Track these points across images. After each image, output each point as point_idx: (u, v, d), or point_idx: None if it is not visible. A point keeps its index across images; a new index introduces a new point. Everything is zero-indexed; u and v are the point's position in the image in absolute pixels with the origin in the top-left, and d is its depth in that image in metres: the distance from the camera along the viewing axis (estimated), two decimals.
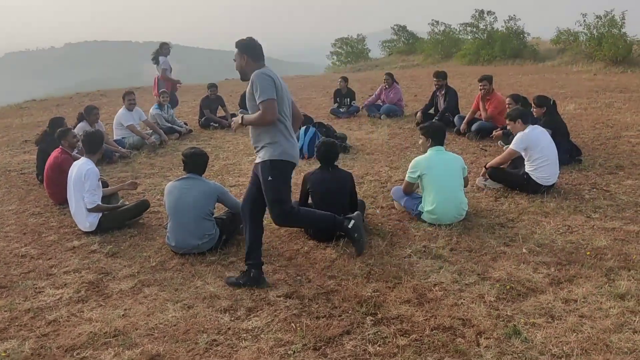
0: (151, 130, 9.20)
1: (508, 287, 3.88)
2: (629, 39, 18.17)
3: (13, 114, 14.42)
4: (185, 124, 10.32)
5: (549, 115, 6.71)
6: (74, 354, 3.31)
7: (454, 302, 3.74)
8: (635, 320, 3.39)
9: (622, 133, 8.32)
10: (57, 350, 3.35)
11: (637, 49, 17.85)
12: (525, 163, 5.81)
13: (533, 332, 3.34)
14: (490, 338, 3.30)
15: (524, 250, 4.47)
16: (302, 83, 18.95)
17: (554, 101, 6.88)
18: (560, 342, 3.23)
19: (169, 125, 9.81)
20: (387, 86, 10.92)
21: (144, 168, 7.68)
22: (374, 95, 11.30)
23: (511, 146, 5.84)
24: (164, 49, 10.83)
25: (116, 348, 3.34)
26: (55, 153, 6.24)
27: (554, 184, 5.81)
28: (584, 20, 19.60)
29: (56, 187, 6.14)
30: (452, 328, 3.43)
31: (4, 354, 3.30)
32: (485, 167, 5.98)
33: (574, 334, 3.29)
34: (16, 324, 3.69)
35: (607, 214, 5.14)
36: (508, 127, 6.35)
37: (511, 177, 5.98)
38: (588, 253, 4.33)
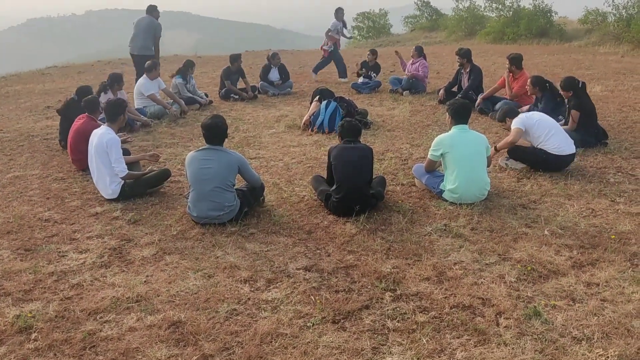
0: (171, 100, 9.20)
1: (529, 268, 3.85)
2: None
3: (35, 80, 14.54)
4: (206, 95, 10.30)
5: (576, 98, 6.56)
6: (97, 318, 3.37)
7: (473, 282, 3.72)
8: None
9: None
10: (81, 314, 3.41)
11: None
12: (535, 144, 5.83)
13: (553, 314, 3.32)
14: (510, 318, 3.29)
15: (546, 232, 4.42)
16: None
17: (583, 83, 6.71)
18: (581, 325, 3.21)
19: (190, 95, 9.80)
20: (413, 59, 10.76)
21: (165, 137, 7.71)
22: (404, 64, 11.12)
23: (513, 125, 5.82)
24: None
25: (138, 313, 3.40)
26: (80, 119, 6.28)
27: (573, 157, 5.77)
28: (613, 1, 19.05)
29: (80, 153, 6.19)
30: (472, 307, 3.43)
31: (29, 315, 3.37)
32: (495, 148, 5.86)
33: (595, 318, 3.27)
34: (40, 286, 3.76)
35: (632, 199, 5.06)
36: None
37: (530, 154, 5.89)
38: (612, 237, 4.28)
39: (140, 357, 3.00)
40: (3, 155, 7.04)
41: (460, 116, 5.19)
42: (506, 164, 6.04)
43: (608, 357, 2.91)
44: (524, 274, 3.80)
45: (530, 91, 7.40)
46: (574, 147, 5.79)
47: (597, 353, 2.95)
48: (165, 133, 7.96)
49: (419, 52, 10.79)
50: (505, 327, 3.22)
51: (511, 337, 3.11)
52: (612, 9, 18.85)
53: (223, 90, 10.59)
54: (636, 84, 10.92)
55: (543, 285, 3.66)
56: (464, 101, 5.52)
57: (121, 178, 5.28)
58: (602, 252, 4.06)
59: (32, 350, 3.07)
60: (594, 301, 3.44)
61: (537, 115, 5.95)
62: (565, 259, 3.99)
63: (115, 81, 8.14)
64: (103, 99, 7.84)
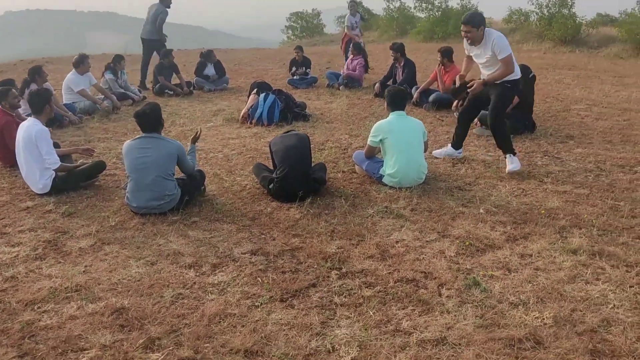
0: (103, 96, 8.90)
1: (467, 243, 4.01)
2: (578, 19, 18.72)
3: None
4: (140, 90, 10.03)
5: (523, 85, 6.85)
6: (35, 308, 3.23)
7: (415, 258, 3.84)
8: (586, 273, 3.58)
9: (571, 106, 8.64)
10: (17, 305, 3.26)
11: (585, 30, 18.41)
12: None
13: (491, 283, 3.48)
14: (451, 289, 3.42)
15: (481, 211, 4.61)
16: (258, 55, 18.71)
17: (534, 76, 7.08)
18: (517, 291, 3.38)
19: (122, 91, 9.52)
20: (352, 56, 10.93)
21: (97, 132, 7.46)
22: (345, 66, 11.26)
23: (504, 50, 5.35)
24: None
25: (78, 302, 3.28)
26: None
27: None
28: (537, 0, 20.07)
29: (3, 149, 5.89)
30: (415, 280, 3.53)
31: None
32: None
33: (530, 285, 3.45)
34: None
35: (558, 179, 5.36)
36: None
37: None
38: (542, 212, 4.52)
39: (83, 343, 2.90)
40: None
41: (397, 103, 5.33)
42: (482, 130, 6.83)
43: (543, 319, 3.08)
44: (463, 248, 3.96)
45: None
46: None
47: (533, 316, 3.11)
48: (98, 128, 7.69)
49: (358, 50, 10.98)
50: (447, 297, 3.34)
51: (453, 306, 3.23)
52: (535, 8, 19.81)
53: (157, 86, 10.35)
54: (558, 77, 11.57)
55: (480, 258, 3.82)
56: (401, 88, 5.67)
57: (53, 170, 5.05)
58: (533, 226, 4.29)
59: None
60: (528, 270, 3.63)
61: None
62: (500, 234, 4.18)
63: (35, 73, 7.74)
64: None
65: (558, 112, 8.28)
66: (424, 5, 25.64)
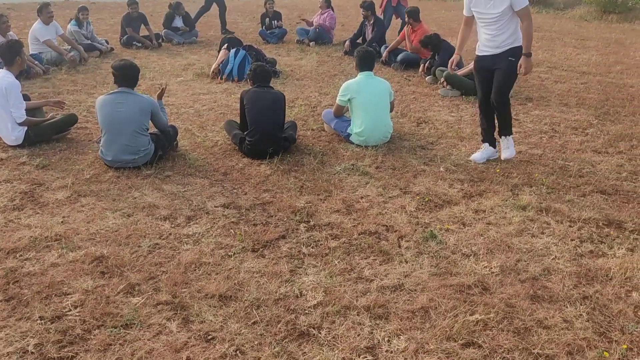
0: (70, 46, 8.77)
1: (427, 199, 4.30)
2: None
3: None
4: (107, 41, 9.89)
5: None
6: (17, 256, 3.39)
7: (378, 212, 4.11)
8: (533, 227, 3.91)
9: (533, 69, 8.92)
10: None
11: None
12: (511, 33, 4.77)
13: (447, 236, 3.78)
14: (410, 241, 3.71)
15: (442, 169, 4.90)
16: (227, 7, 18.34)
17: None
18: (469, 243, 3.69)
19: (88, 42, 9.37)
20: (321, 10, 10.92)
21: (66, 84, 7.41)
22: (310, 21, 11.23)
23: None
24: None
25: (59, 250, 3.45)
26: None
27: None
28: None
29: None
30: (377, 233, 3.81)
31: None
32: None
33: (481, 238, 3.77)
34: None
35: (515, 140, 5.64)
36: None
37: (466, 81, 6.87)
38: (497, 171, 4.83)
39: (66, 288, 3.09)
40: None
41: (365, 63, 5.50)
42: (446, 91, 7.21)
43: (491, 268, 3.40)
44: (422, 204, 4.24)
45: (422, 52, 8.07)
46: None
47: (482, 265, 3.43)
48: (66, 80, 7.64)
49: (328, 4, 10.97)
50: (406, 248, 3.63)
51: (411, 256, 3.53)
52: None
53: (125, 37, 10.20)
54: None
55: (438, 213, 4.11)
56: (369, 49, 5.83)
57: (19, 124, 5.09)
58: (488, 184, 4.59)
59: None
60: (480, 224, 3.94)
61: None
62: (457, 191, 4.48)
63: None
64: None
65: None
66: None
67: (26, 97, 5.71)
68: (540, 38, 12.12)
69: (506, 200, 4.31)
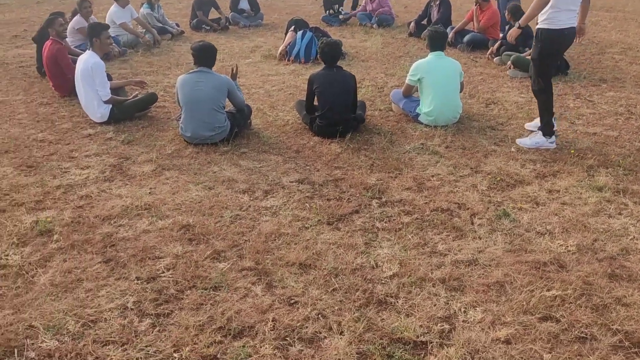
0: (144, 29, 9.14)
1: (498, 179, 4.30)
2: None
3: None
4: (177, 25, 10.23)
5: None
6: (111, 222, 3.66)
7: (450, 190, 4.15)
8: (610, 208, 3.86)
9: (606, 50, 8.63)
10: (95, 219, 3.69)
11: None
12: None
13: (520, 215, 3.79)
14: (483, 218, 3.74)
15: (513, 150, 4.87)
16: None
17: None
18: (544, 222, 3.69)
19: (161, 25, 9.73)
20: None
21: (142, 66, 7.76)
22: (360, 7, 11.26)
23: None
24: None
25: (149, 218, 3.70)
26: (47, 45, 6.28)
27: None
28: None
29: (58, 79, 6.27)
30: (449, 210, 3.86)
31: (47, 220, 3.63)
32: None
33: (556, 217, 3.75)
34: (50, 197, 4.00)
35: (589, 121, 5.55)
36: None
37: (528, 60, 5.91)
38: (572, 152, 4.76)
39: (158, 253, 3.32)
40: None
41: (436, 43, 5.49)
42: (515, 72, 7.04)
43: (567, 246, 3.40)
44: (494, 183, 4.25)
45: (508, 18, 7.71)
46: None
47: (558, 244, 3.43)
48: (142, 62, 8.00)
49: None
50: (479, 225, 3.67)
51: (484, 233, 3.57)
52: None
53: (194, 21, 10.52)
54: (594, 19, 11.38)
55: (510, 192, 4.12)
56: (441, 29, 5.80)
57: (104, 102, 5.41)
58: (562, 165, 4.54)
59: (56, 249, 3.35)
60: (555, 204, 3.92)
61: None
62: (530, 171, 4.46)
63: (78, 6, 8.01)
64: (75, 24, 7.80)
65: (593, 55, 8.29)
66: None
67: (109, 77, 6.06)
68: (613, 19, 11.63)
69: (581, 181, 4.26)
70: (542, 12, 4.54)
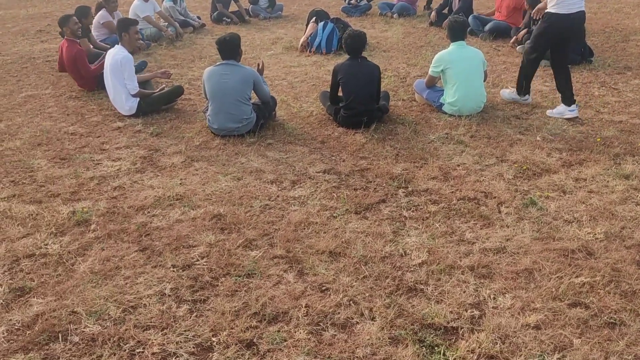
0: (166, 23, 9.25)
1: (524, 167, 4.32)
2: None
3: (16, 5, 14.18)
4: (199, 18, 10.32)
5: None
6: (145, 212, 3.76)
7: (476, 179, 4.18)
8: (638, 196, 3.86)
9: (630, 37, 8.52)
10: (129, 209, 3.79)
11: None
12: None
13: (547, 203, 3.81)
14: (510, 207, 3.77)
15: (538, 138, 4.87)
16: None
17: None
18: (571, 210, 3.71)
19: (183, 18, 9.83)
20: None
21: (166, 59, 7.86)
22: None
23: None
24: None
25: (182, 208, 3.80)
26: (64, 45, 6.36)
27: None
28: None
29: (81, 78, 6.39)
30: (476, 199, 3.90)
31: (84, 210, 3.75)
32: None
33: (583, 205, 3.77)
34: (84, 189, 4.12)
35: (614, 109, 5.52)
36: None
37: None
38: (598, 140, 4.75)
39: (192, 242, 3.41)
40: (10, 76, 7.17)
41: (457, 33, 5.49)
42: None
43: (595, 234, 3.42)
44: (520, 172, 4.27)
45: (527, 9, 7.66)
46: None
47: (585, 231, 3.45)
48: (166, 55, 8.10)
49: None
50: (506, 213, 3.70)
51: (512, 221, 3.60)
52: None
53: (215, 14, 10.60)
54: (618, 6, 11.21)
55: (537, 181, 4.13)
56: (461, 18, 5.78)
57: (132, 95, 5.52)
58: (588, 153, 4.54)
59: (94, 238, 3.46)
60: (582, 192, 3.94)
61: None
62: (556, 160, 4.46)
63: (104, 1, 8.15)
64: (100, 19, 7.93)
65: (617, 42, 8.20)
66: None
67: (140, 67, 6.19)
68: (637, 5, 11.42)
69: (608, 169, 4.26)
70: None
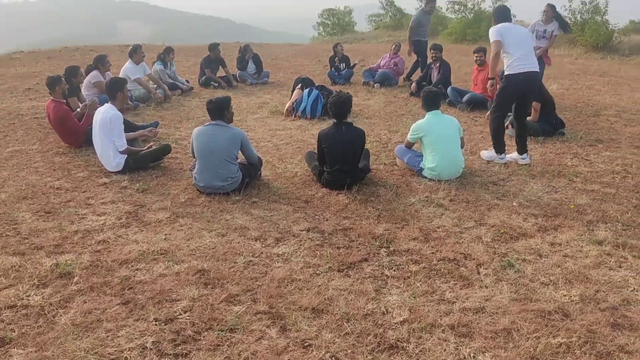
0: (156, 85, 9.49)
1: (502, 231, 4.46)
2: (610, 26, 18.87)
3: (4, 64, 14.40)
4: (187, 81, 10.62)
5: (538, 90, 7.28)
6: (129, 266, 3.77)
7: (455, 241, 4.29)
8: (610, 261, 4.00)
9: (601, 112, 8.97)
10: (112, 263, 3.80)
11: (617, 37, 18.57)
12: (508, 58, 5.91)
13: (524, 266, 3.92)
14: (488, 269, 3.87)
15: (515, 204, 5.04)
16: (293, 51, 19.21)
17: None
18: (547, 273, 3.81)
19: (172, 81, 10.11)
20: (392, 53, 11.43)
21: (153, 119, 8.00)
22: (375, 65, 11.76)
23: (491, 38, 5.96)
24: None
25: (165, 263, 3.82)
26: (49, 106, 6.49)
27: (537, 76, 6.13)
28: (570, 6, 20.28)
29: (69, 136, 6.49)
30: (456, 260, 3.99)
31: (67, 263, 3.74)
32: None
33: (559, 268, 3.88)
34: (68, 242, 4.12)
35: (587, 178, 5.76)
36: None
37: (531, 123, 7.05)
38: (572, 207, 4.93)
39: (175, 296, 3.42)
40: None
41: (431, 102, 5.77)
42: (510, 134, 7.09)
43: (571, 296, 3.52)
44: (498, 235, 4.40)
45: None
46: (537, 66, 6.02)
47: (561, 293, 3.55)
48: (153, 115, 8.28)
49: (397, 49, 11.52)
50: (485, 275, 3.79)
51: (490, 282, 3.69)
52: (568, 14, 19.99)
53: (203, 78, 10.92)
54: (589, 83, 11.85)
55: (514, 244, 4.26)
56: (433, 89, 6.06)
57: (120, 152, 5.62)
58: (563, 219, 4.70)
59: (76, 291, 3.45)
60: (557, 256, 4.06)
61: (510, 26, 6.05)
62: (532, 225, 4.61)
63: (99, 62, 8.42)
64: (92, 78, 8.15)
65: (588, 117, 8.62)
66: (456, 7, 25.87)
67: (132, 126, 6.32)
68: (607, 83, 12.10)
69: (582, 235, 4.41)
70: (505, 62, 5.93)
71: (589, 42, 18.20)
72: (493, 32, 5.96)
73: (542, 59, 8.95)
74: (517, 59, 5.85)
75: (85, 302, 3.32)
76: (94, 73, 8.17)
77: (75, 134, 6.42)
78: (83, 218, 4.55)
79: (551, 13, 9.12)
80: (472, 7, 25.53)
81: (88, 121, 6.21)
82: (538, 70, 6.08)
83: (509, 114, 7.65)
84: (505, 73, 5.96)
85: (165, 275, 3.66)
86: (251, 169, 5.31)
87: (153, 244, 4.09)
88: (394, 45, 11.73)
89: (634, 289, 3.63)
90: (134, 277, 3.64)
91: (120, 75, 9.19)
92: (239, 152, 5.21)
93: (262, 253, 4.02)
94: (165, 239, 4.20)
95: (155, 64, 10.17)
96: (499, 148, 6.27)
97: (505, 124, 7.57)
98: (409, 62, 11.83)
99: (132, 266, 3.78)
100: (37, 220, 4.48)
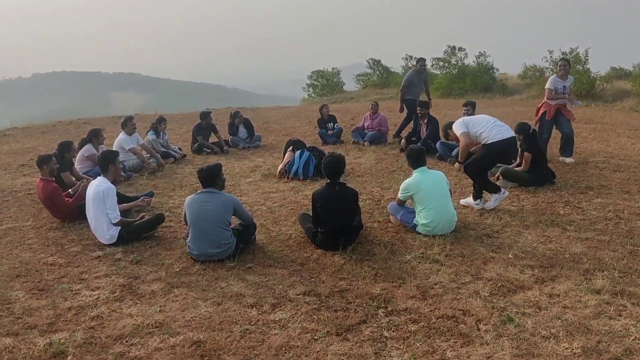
0: (149, 154, 9.61)
1: (499, 285, 4.43)
2: (592, 75, 19.42)
3: None
4: (180, 149, 10.76)
5: (528, 142, 7.44)
6: (123, 342, 3.70)
7: (453, 297, 4.26)
8: (610, 310, 3.97)
9: (589, 159, 9.10)
10: (107, 339, 3.74)
11: (600, 84, 19.07)
12: (482, 140, 6.39)
13: (524, 319, 3.88)
14: (488, 324, 3.83)
15: (510, 256, 5.04)
16: (284, 113, 19.56)
17: (533, 129, 7.66)
18: (548, 326, 3.77)
19: (164, 150, 10.24)
20: (372, 113, 11.65)
21: (147, 189, 8.06)
22: (360, 125, 11.99)
23: (456, 132, 6.51)
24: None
25: (161, 336, 3.76)
26: (39, 185, 6.54)
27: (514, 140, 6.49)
28: (551, 57, 20.93)
29: (60, 212, 6.50)
30: (455, 317, 3.95)
31: (60, 342, 3.68)
32: (459, 162, 6.78)
33: (559, 320, 3.84)
34: (62, 319, 4.06)
35: (580, 226, 5.78)
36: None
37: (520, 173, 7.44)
38: (567, 256, 4.93)
39: None
40: None
41: (417, 160, 5.85)
42: (505, 182, 7.42)
43: (573, 349, 3.47)
44: (496, 289, 4.37)
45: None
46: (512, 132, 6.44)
47: (563, 347, 3.50)
48: (147, 184, 8.33)
49: (375, 109, 11.78)
50: (485, 331, 3.75)
51: (491, 338, 3.64)
52: (549, 64, 20.61)
53: (196, 145, 11.06)
54: (576, 131, 11.95)
55: (512, 298, 4.23)
56: (416, 147, 6.15)
57: (114, 224, 5.63)
58: (559, 269, 4.69)
59: None
60: (556, 308, 4.03)
61: (470, 117, 6.86)
62: (529, 276, 4.59)
63: (93, 136, 8.58)
64: (85, 152, 8.26)
65: (577, 164, 8.74)
66: (440, 63, 26.63)
67: (126, 197, 6.36)
68: (593, 130, 12.33)
69: (579, 285, 4.39)
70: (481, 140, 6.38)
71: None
72: (457, 126, 6.48)
73: (566, 116, 9.10)
74: (486, 132, 6.28)
75: None
76: (88, 147, 8.29)
77: (65, 211, 6.44)
78: (77, 294, 4.50)
79: (569, 68, 9.18)
80: (455, 62, 26.28)
81: (79, 199, 6.28)
82: (515, 135, 6.54)
83: (498, 165, 7.80)
84: (487, 142, 6.31)
85: (161, 349, 3.59)
86: (245, 234, 5.31)
87: (148, 316, 4.03)
88: (371, 105, 11.99)
89: (635, 337, 3.59)
90: (129, 352, 3.57)
91: (115, 146, 9.35)
92: (232, 217, 5.23)
93: (258, 320, 3.97)
94: (160, 310, 4.15)
95: (148, 133, 10.33)
96: (478, 195, 6.61)
97: (496, 176, 7.68)
98: (398, 118, 12.06)
99: (127, 341, 3.71)
100: (30, 299, 4.43)
